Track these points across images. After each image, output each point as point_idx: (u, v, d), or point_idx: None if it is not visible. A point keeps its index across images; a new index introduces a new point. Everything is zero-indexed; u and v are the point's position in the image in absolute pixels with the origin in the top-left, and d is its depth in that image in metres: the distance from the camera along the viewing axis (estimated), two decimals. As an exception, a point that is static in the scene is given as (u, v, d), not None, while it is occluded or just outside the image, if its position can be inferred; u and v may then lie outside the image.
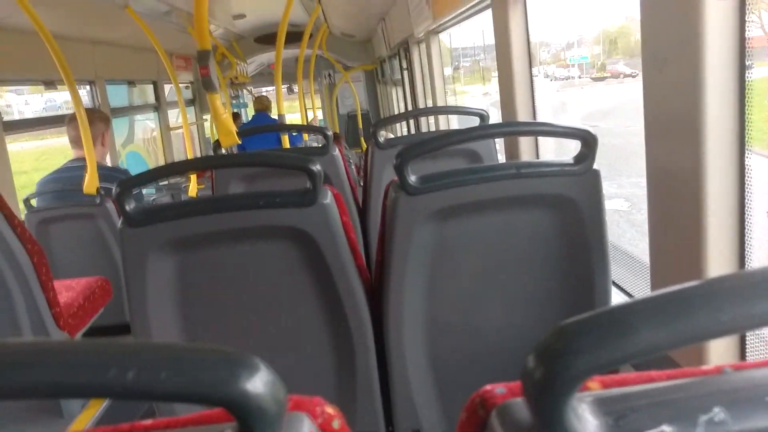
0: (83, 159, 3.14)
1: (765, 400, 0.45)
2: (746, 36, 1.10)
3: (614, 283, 1.75)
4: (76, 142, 3.29)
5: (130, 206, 1.35)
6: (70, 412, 2.34)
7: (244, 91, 9.68)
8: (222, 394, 0.40)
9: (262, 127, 5.23)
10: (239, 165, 2.12)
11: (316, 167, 1.39)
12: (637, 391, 0.48)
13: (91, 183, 2.93)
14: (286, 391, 0.44)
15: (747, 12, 1.10)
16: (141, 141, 6.30)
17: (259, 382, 0.41)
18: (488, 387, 0.52)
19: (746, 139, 1.13)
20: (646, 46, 1.26)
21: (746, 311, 0.40)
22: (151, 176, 1.50)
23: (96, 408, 2.39)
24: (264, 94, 7.36)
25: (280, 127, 3.87)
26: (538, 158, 2.26)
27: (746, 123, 1.13)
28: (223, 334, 1.52)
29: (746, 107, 1.13)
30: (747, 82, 1.12)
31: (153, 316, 1.42)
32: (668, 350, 0.41)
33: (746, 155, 1.14)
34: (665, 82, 1.22)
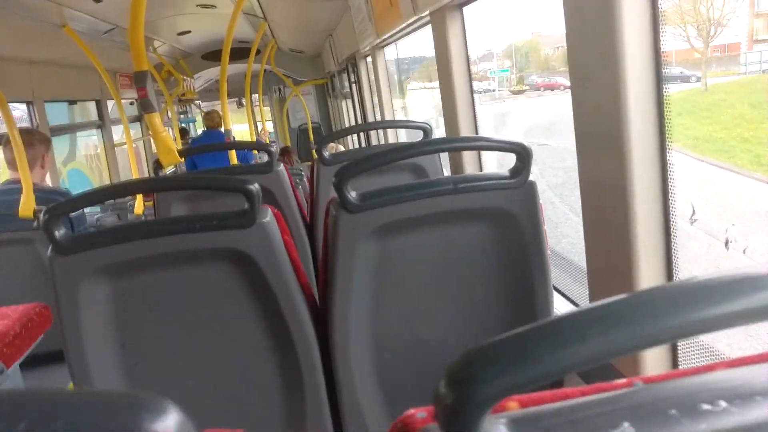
0: (20, 181, 3.02)
1: (669, 414, 0.47)
2: (661, 50, 1.15)
3: (557, 290, 1.79)
4: (12, 163, 3.17)
5: (59, 233, 1.31)
6: None
7: (192, 106, 9.54)
8: None
9: (209, 145, 5.18)
10: (174, 188, 2.08)
11: (253, 187, 1.38)
12: (552, 409, 0.49)
13: (26, 206, 2.81)
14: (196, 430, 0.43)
15: (661, 28, 1.15)
16: (83, 158, 6.11)
17: (164, 425, 0.40)
18: (411, 411, 0.52)
19: (667, 148, 1.18)
20: (572, 63, 1.30)
21: (636, 333, 0.41)
22: (78, 202, 1.45)
23: None
24: (215, 109, 7.26)
25: (226, 145, 3.83)
26: (481, 170, 2.30)
27: (666, 133, 1.18)
28: (163, 362, 1.48)
29: (665, 118, 1.18)
30: (664, 95, 1.17)
31: (89, 345, 1.38)
32: (571, 371, 0.42)
33: (668, 164, 1.19)
34: (590, 98, 1.26)
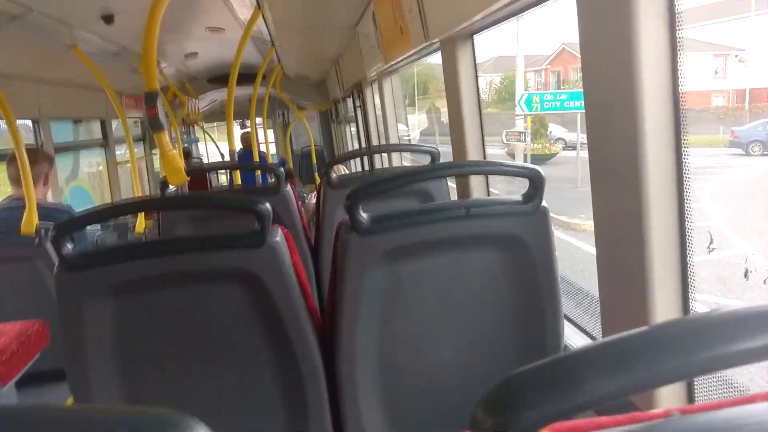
0: (23, 198, 3.01)
1: None
2: (679, 77, 1.14)
3: (567, 318, 1.76)
4: (16, 181, 3.17)
5: (67, 249, 1.29)
6: None
7: (195, 127, 9.61)
8: None
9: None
10: (183, 207, 2.07)
11: (264, 207, 1.37)
12: None
13: (29, 222, 2.80)
14: None
15: (679, 56, 1.14)
16: (86, 176, 6.13)
17: None
18: None
19: (685, 183, 1.17)
20: (588, 91, 1.30)
21: (687, 360, 0.40)
22: (90, 218, 1.44)
23: None
24: (248, 131, 7.59)
25: (234, 166, 3.84)
26: (488, 196, 2.29)
27: (684, 167, 1.17)
28: (166, 383, 1.45)
29: (683, 153, 1.17)
30: (682, 122, 1.16)
31: (91, 364, 1.35)
32: (614, 400, 0.40)
33: (685, 194, 1.17)
34: (607, 128, 1.25)
